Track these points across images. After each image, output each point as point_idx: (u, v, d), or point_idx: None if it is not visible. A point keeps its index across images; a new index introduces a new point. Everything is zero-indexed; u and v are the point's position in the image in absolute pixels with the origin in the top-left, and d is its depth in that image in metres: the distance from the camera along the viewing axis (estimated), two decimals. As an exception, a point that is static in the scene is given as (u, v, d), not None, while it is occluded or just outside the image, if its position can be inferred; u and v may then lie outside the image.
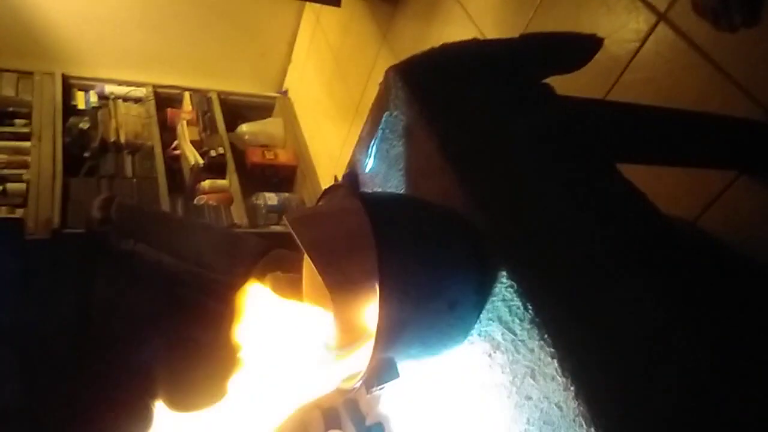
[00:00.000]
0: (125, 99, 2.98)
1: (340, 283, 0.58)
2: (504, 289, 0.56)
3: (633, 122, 0.93)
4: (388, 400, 0.80)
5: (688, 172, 1.18)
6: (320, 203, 0.75)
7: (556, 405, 0.52)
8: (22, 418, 1.74)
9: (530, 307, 0.54)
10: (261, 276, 0.70)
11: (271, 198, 2.93)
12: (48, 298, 1.77)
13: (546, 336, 0.52)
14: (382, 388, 0.58)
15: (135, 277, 1.58)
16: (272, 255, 1.47)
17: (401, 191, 0.74)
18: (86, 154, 2.69)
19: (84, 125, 2.72)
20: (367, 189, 0.81)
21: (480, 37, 1.78)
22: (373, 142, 0.79)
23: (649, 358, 0.55)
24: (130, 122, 2.89)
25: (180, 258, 1.57)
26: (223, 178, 2.93)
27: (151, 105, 2.98)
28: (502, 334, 0.57)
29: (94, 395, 1.47)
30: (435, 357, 0.64)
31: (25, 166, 2.46)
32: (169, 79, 3.10)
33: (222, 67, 3.18)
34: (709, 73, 1.15)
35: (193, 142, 2.89)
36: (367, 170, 0.81)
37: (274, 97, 3.39)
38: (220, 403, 0.59)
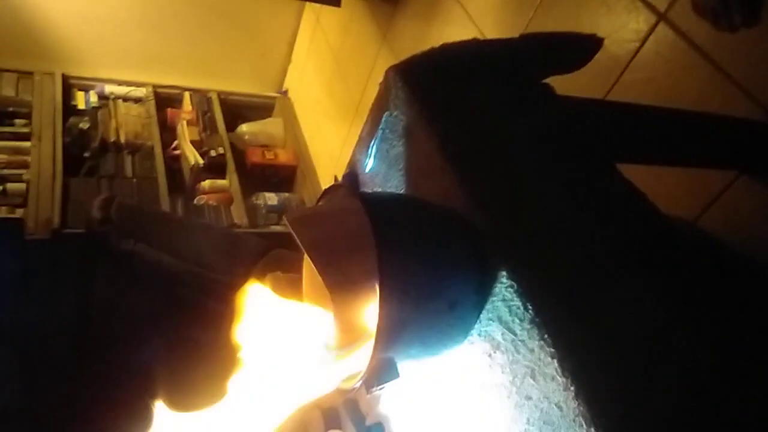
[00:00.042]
0: (125, 99, 2.98)
1: (340, 283, 0.58)
2: (504, 289, 0.56)
3: (633, 122, 0.93)
4: (388, 400, 0.80)
5: (688, 172, 1.18)
6: (320, 203, 0.75)
7: (556, 405, 0.52)
8: (22, 418, 1.74)
9: (530, 307, 0.54)
10: (261, 276, 0.70)
11: (271, 198, 2.93)
12: (48, 298, 1.77)
13: (546, 336, 0.52)
14: (382, 388, 0.58)
15: (135, 277, 1.58)
16: (272, 255, 1.47)
17: (401, 191, 0.74)
18: (86, 154, 2.69)
19: (84, 125, 2.72)
20: (367, 189, 0.81)
21: (480, 37, 1.78)
22: (373, 142, 0.79)
23: (649, 358, 0.55)
24: (130, 122, 2.89)
25: (180, 258, 1.57)
26: (223, 178, 2.93)
27: (151, 105, 2.98)
28: (502, 334, 0.57)
29: (94, 395, 1.47)
30: (435, 357, 0.64)
31: (25, 166, 2.46)
32: (169, 79, 3.10)
33: (222, 67, 3.18)
34: (709, 73, 1.15)
35: (193, 142, 2.89)
36: (367, 170, 0.81)
37: (274, 97, 3.39)
38: (220, 403, 0.59)
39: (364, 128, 0.82)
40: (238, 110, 3.27)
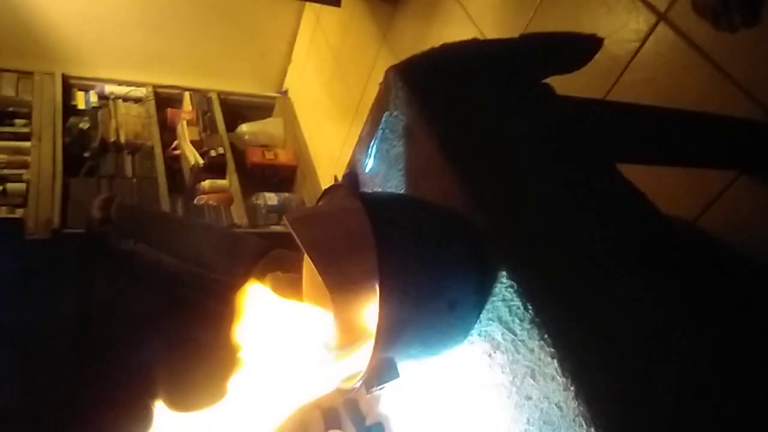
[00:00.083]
0: (125, 99, 2.98)
1: (340, 283, 0.58)
2: (504, 289, 0.56)
3: (633, 122, 0.93)
4: (388, 400, 0.80)
5: (688, 172, 1.18)
6: (320, 203, 0.75)
7: (556, 405, 0.52)
8: (22, 418, 1.74)
9: (530, 307, 0.54)
10: (261, 276, 0.70)
11: (271, 198, 2.93)
12: (48, 298, 1.77)
13: (546, 336, 0.52)
14: (382, 388, 0.58)
15: (135, 277, 1.58)
16: (272, 255, 1.47)
17: (401, 191, 0.74)
18: (86, 154, 2.69)
19: (84, 125, 2.72)
20: (367, 189, 0.81)
21: (480, 37, 1.78)
22: (373, 142, 0.79)
23: (649, 358, 0.55)
24: (130, 122, 2.89)
25: (180, 258, 1.57)
26: (223, 178, 2.93)
27: (151, 105, 2.98)
28: (502, 334, 0.57)
29: (94, 395, 1.47)
30: (435, 357, 0.64)
31: (25, 166, 2.46)
32: (169, 79, 3.10)
33: (222, 67, 3.18)
34: (709, 73, 1.15)
35: (193, 142, 2.89)
36: (367, 170, 0.81)
37: (274, 97, 3.39)
38: (220, 403, 0.59)
39: (364, 128, 0.82)
40: (238, 110, 3.27)
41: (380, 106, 0.77)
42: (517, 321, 0.55)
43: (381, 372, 0.57)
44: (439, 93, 0.73)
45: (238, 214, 2.75)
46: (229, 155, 2.95)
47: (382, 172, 0.78)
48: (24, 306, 1.83)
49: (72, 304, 1.67)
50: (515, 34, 1.00)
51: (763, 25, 1.04)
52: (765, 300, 0.72)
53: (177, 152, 2.93)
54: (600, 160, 0.74)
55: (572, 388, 0.50)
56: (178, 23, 2.91)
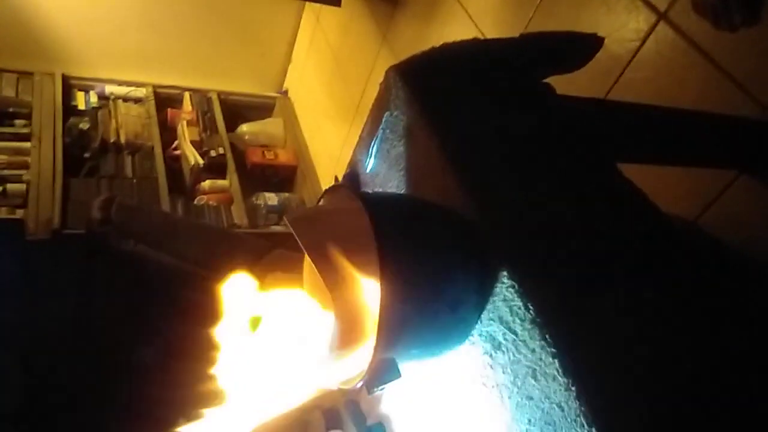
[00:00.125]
0: (125, 99, 2.98)
1: (340, 283, 0.58)
2: (505, 289, 0.56)
3: (633, 122, 0.93)
4: (389, 400, 0.80)
5: (688, 172, 1.18)
6: (321, 203, 0.75)
7: (557, 405, 0.52)
8: (22, 421, 1.74)
9: (531, 307, 0.54)
10: (261, 276, 0.70)
11: (272, 198, 2.93)
12: (48, 299, 1.77)
13: (547, 336, 0.52)
14: (383, 388, 0.58)
15: (135, 278, 1.58)
16: (273, 255, 1.47)
17: (402, 191, 0.74)
18: (86, 155, 2.69)
19: (84, 125, 2.72)
20: (368, 189, 0.81)
21: (480, 36, 1.78)
22: (373, 142, 0.79)
23: (650, 358, 0.55)
24: (130, 122, 2.88)
25: (180, 258, 1.57)
26: (224, 178, 2.93)
27: (151, 105, 2.98)
28: (503, 334, 0.57)
29: (95, 397, 1.47)
30: (436, 357, 0.64)
31: (25, 166, 2.45)
32: (169, 79, 3.10)
33: (222, 67, 3.18)
34: (709, 73, 1.15)
35: (193, 143, 2.89)
36: (367, 170, 0.81)
37: (274, 97, 3.39)
38: (220, 403, 0.59)
39: (365, 128, 0.82)
40: (238, 110, 3.27)
41: (380, 106, 0.77)
42: (518, 321, 0.55)
43: (382, 372, 0.57)
44: (440, 93, 0.73)
45: (238, 214, 2.75)
46: (229, 155, 2.95)
47: (383, 172, 0.78)
48: (24, 307, 1.83)
49: (72, 305, 1.67)
50: (515, 34, 1.00)
51: (762, 24, 1.04)
52: (765, 300, 0.72)
53: (177, 152, 2.93)
54: (600, 159, 0.74)
55: (573, 389, 0.50)
56: (178, 23, 2.91)
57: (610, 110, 0.98)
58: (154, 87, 3.04)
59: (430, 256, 0.58)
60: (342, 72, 2.79)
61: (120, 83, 2.98)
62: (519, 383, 0.56)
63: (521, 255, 0.58)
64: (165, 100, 3.08)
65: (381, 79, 0.77)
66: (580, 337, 0.53)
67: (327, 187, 0.73)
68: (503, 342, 0.57)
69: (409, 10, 2.24)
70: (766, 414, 0.56)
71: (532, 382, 0.54)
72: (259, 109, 3.38)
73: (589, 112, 0.90)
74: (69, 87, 2.82)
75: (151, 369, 1.38)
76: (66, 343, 1.69)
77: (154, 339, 1.42)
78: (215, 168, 2.91)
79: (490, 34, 1.77)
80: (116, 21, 2.79)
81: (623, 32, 1.30)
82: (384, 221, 0.55)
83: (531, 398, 0.55)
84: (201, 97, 3.13)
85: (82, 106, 2.82)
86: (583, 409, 0.49)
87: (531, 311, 0.54)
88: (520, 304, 0.55)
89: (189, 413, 0.64)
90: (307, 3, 2.86)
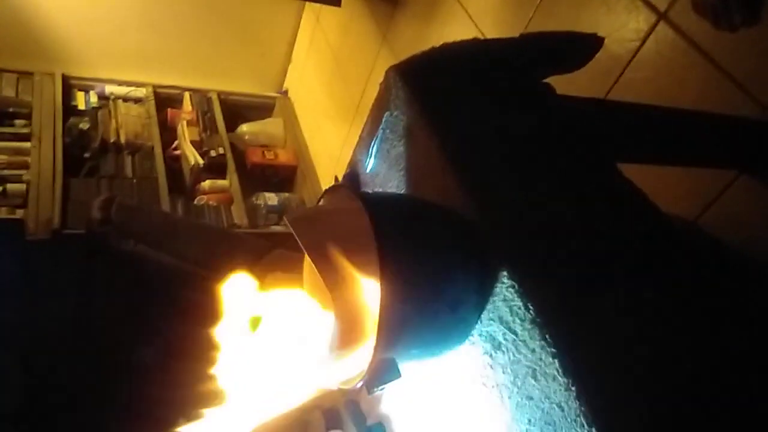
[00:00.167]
0: (125, 99, 2.98)
1: (340, 283, 0.58)
2: (505, 289, 0.56)
3: (633, 122, 0.93)
4: (389, 400, 0.80)
5: (689, 172, 1.18)
6: (321, 203, 0.75)
7: (557, 405, 0.52)
8: (22, 421, 1.74)
9: (531, 307, 0.54)
10: (261, 276, 0.70)
11: (271, 198, 2.93)
12: (48, 299, 1.77)
13: (547, 336, 0.52)
14: (383, 388, 0.58)
15: (135, 278, 1.58)
16: (272, 255, 1.47)
17: (402, 191, 0.74)
18: (86, 155, 2.69)
19: (84, 126, 2.72)
20: (368, 189, 0.81)
21: (480, 36, 1.78)
22: (373, 142, 0.79)
23: (650, 358, 0.55)
24: (130, 122, 2.88)
25: (180, 258, 1.57)
26: (224, 178, 2.93)
27: (151, 105, 2.98)
28: (503, 334, 0.57)
29: (96, 398, 1.47)
30: (436, 357, 0.64)
31: (25, 166, 2.45)
32: (169, 79, 3.10)
33: (222, 67, 3.18)
34: (709, 72, 1.15)
35: (193, 143, 2.89)
36: (367, 170, 0.81)
37: (274, 97, 3.39)
38: (220, 404, 0.59)
39: (365, 128, 0.82)
40: (238, 110, 3.27)
41: (380, 106, 0.77)
42: (518, 321, 0.55)
43: (382, 372, 0.57)
44: (440, 93, 0.73)
45: (238, 214, 2.75)
46: (229, 155, 2.95)
47: (383, 173, 0.78)
48: (24, 307, 1.83)
49: (72, 305, 1.67)
50: (515, 34, 1.00)
51: (762, 24, 1.04)
52: (765, 300, 0.72)
53: (177, 152, 2.93)
54: (600, 159, 0.74)
55: (573, 389, 0.50)
56: (178, 23, 2.91)
57: (610, 110, 0.98)
58: (154, 87, 3.04)
59: (430, 256, 0.58)
60: (342, 72, 2.79)
61: (120, 83, 2.98)
62: (519, 383, 0.56)
63: (521, 255, 0.58)
64: (165, 100, 3.08)
65: (381, 79, 0.77)
66: (580, 337, 0.53)
67: (327, 187, 0.73)
68: (503, 342, 0.57)
69: (409, 10, 2.24)
70: (766, 414, 0.56)
71: (532, 382, 0.54)
72: (259, 109, 3.38)
73: (589, 112, 0.90)
74: (69, 87, 2.83)
75: (151, 369, 1.38)
76: (66, 343, 1.68)
77: (154, 339, 1.42)
78: (215, 168, 2.91)
79: (490, 34, 1.77)
80: (116, 21, 2.79)
81: (623, 32, 1.30)
82: (384, 221, 0.55)
83: (531, 398, 0.55)
84: (201, 97, 3.13)
85: (82, 106, 2.82)
86: (583, 409, 0.49)
87: (531, 311, 0.54)
88: (520, 304, 0.55)
89: (189, 413, 0.64)
90: (307, 3, 2.86)
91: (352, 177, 0.84)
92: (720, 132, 1.01)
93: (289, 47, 3.25)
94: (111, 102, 2.93)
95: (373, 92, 0.79)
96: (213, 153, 2.89)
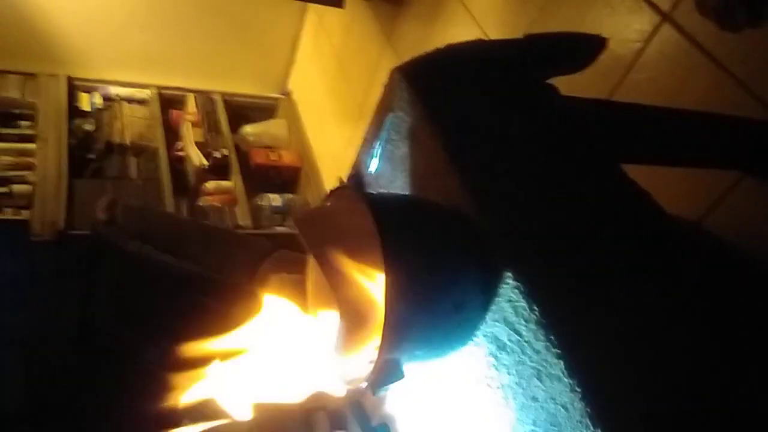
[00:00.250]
0: (129, 101, 2.99)
1: (344, 284, 0.58)
2: (509, 290, 0.56)
3: (637, 122, 0.93)
4: (393, 401, 0.80)
5: (693, 173, 1.17)
6: (326, 204, 0.75)
7: (562, 406, 0.51)
8: (26, 422, 1.75)
9: (536, 308, 0.54)
10: (266, 277, 0.71)
11: (275, 199, 2.94)
12: (53, 301, 1.78)
13: (552, 337, 0.52)
14: (387, 389, 0.59)
15: (140, 279, 1.59)
16: (276, 256, 1.47)
17: (406, 192, 0.74)
18: (91, 156, 2.70)
19: (89, 127, 2.73)
20: (373, 190, 0.82)
21: (484, 37, 1.78)
22: (377, 144, 0.79)
23: (655, 359, 0.55)
24: (135, 124, 2.89)
25: (184, 259, 1.57)
26: (227, 179, 2.93)
27: (156, 107, 2.99)
28: (508, 335, 0.57)
29: (99, 399, 1.47)
30: (440, 358, 0.64)
31: (30, 168, 2.46)
32: (173, 80, 3.11)
33: (225, 68, 3.19)
34: (713, 73, 1.15)
35: (197, 144, 2.89)
36: (372, 171, 0.81)
37: (278, 99, 3.39)
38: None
39: (369, 129, 0.82)
40: (241, 111, 3.28)
41: (384, 107, 0.77)
42: (523, 322, 0.55)
43: (386, 373, 0.57)
44: (443, 94, 0.73)
45: (242, 215, 2.76)
46: (233, 156, 2.96)
47: (387, 173, 0.78)
48: (29, 308, 1.84)
49: (77, 306, 1.67)
50: (519, 35, 1.00)
51: (766, 25, 1.03)
52: (765, 300, 0.71)
53: (181, 154, 2.94)
54: (604, 160, 0.74)
55: (579, 390, 0.50)
56: (182, 25, 2.92)
57: (614, 111, 0.97)
58: (159, 88, 3.05)
59: (434, 257, 0.58)
60: (345, 73, 2.80)
61: (124, 85, 2.99)
62: (524, 384, 0.56)
63: (526, 256, 0.58)
64: (169, 102, 3.09)
65: (385, 80, 0.77)
66: (585, 339, 0.53)
67: (332, 188, 0.73)
68: (508, 343, 0.57)
69: (413, 11, 2.24)
70: (766, 414, 0.56)
71: (537, 383, 0.54)
72: (263, 110, 3.38)
73: (593, 113, 0.90)
74: (74, 88, 2.84)
75: (154, 371, 1.38)
76: (70, 344, 1.69)
77: (158, 341, 1.43)
78: (219, 169, 2.92)
79: (494, 35, 1.77)
80: (120, 23, 2.80)
81: (627, 33, 1.30)
82: (388, 222, 0.56)
83: (536, 399, 0.55)
84: (205, 98, 3.13)
85: (86, 108, 2.83)
86: (588, 410, 0.49)
87: (536, 312, 0.54)
88: (525, 305, 0.55)
89: (193, 415, 0.64)
90: (310, 4, 2.86)
91: (357, 178, 0.84)
92: (724, 133, 1.01)
93: (292, 49, 3.25)
94: (115, 103, 2.94)
95: (376, 93, 0.79)
96: (217, 154, 2.90)
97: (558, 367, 0.51)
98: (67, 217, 2.29)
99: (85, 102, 2.84)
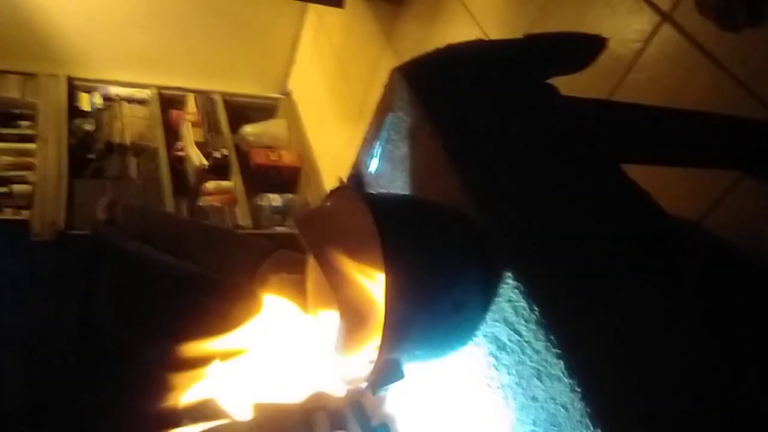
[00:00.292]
0: (129, 101, 2.99)
1: (344, 284, 0.58)
2: (509, 290, 0.56)
3: (637, 122, 0.93)
4: (393, 401, 0.80)
5: (693, 173, 1.17)
6: (326, 204, 0.75)
7: (562, 406, 0.52)
8: (26, 422, 1.75)
9: (536, 308, 0.54)
10: (266, 277, 0.71)
11: (275, 199, 2.94)
12: (53, 300, 1.78)
13: (552, 337, 0.52)
14: (387, 389, 0.59)
15: (141, 279, 1.59)
16: (276, 256, 1.47)
17: (406, 192, 0.74)
18: (91, 156, 2.70)
19: (89, 127, 2.73)
20: (373, 190, 0.82)
21: (484, 37, 1.78)
22: (377, 144, 0.79)
23: (655, 359, 0.55)
24: (135, 124, 2.90)
25: (184, 259, 1.57)
26: (227, 179, 2.94)
27: (156, 106, 2.99)
28: (508, 335, 0.57)
29: (99, 399, 1.47)
30: (440, 358, 0.64)
31: (30, 168, 2.46)
32: (173, 80, 3.11)
33: (225, 68, 3.19)
34: (713, 73, 1.15)
35: (197, 144, 2.89)
36: (372, 171, 0.81)
37: (278, 99, 3.39)
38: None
39: (369, 129, 0.82)
40: (241, 111, 3.28)
41: (384, 107, 0.78)
42: (523, 322, 0.55)
43: (386, 373, 0.57)
44: (443, 94, 0.73)
45: (242, 215, 2.76)
46: (233, 156, 2.96)
47: (387, 173, 0.78)
48: (29, 308, 1.83)
49: (77, 306, 1.67)
50: (519, 35, 1.00)
51: (766, 24, 1.03)
52: (765, 300, 0.71)
53: (181, 154, 2.94)
54: (604, 160, 0.74)
55: (579, 390, 0.50)
56: (182, 25, 2.92)
57: (614, 111, 0.97)
58: (158, 88, 3.05)
59: (434, 257, 0.58)
60: (345, 73, 2.80)
61: (124, 85, 2.99)
62: (524, 384, 0.56)
63: (526, 256, 0.58)
64: (169, 102, 3.09)
65: (385, 80, 0.77)
66: (585, 339, 0.53)
67: (332, 188, 0.73)
68: (508, 343, 0.57)
69: (413, 11, 2.24)
70: (766, 414, 0.56)
71: (537, 383, 0.54)
72: (263, 110, 3.38)
73: (593, 113, 0.90)
74: (74, 88, 2.84)
75: (154, 371, 1.38)
76: (70, 344, 1.69)
77: (158, 341, 1.43)
78: (219, 169, 2.92)
79: (494, 35, 1.77)
80: (120, 23, 2.80)
81: (627, 33, 1.30)
82: (388, 222, 0.56)
83: (536, 399, 0.55)
84: (205, 98, 3.13)
85: (86, 108, 2.83)
86: (588, 410, 0.49)
87: (536, 312, 0.54)
88: (525, 305, 0.55)
89: (193, 415, 0.64)
90: (310, 4, 2.86)
91: (357, 178, 0.84)
92: (724, 133, 1.01)
93: (292, 49, 3.26)
94: (115, 103, 2.94)
95: (376, 93, 0.79)
96: (217, 154, 2.90)
97: (558, 367, 0.51)
98: (67, 217, 2.29)
99: (85, 102, 2.84)
